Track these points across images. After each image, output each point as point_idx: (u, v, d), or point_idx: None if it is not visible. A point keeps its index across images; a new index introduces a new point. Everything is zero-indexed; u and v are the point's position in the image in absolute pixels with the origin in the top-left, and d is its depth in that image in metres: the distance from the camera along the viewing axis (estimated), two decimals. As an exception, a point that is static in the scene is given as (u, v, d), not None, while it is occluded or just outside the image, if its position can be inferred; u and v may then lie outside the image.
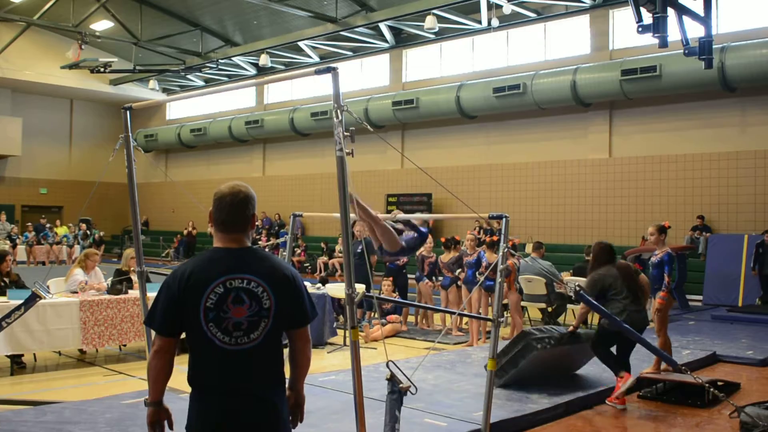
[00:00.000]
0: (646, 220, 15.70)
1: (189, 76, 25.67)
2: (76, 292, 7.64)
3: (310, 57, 22.12)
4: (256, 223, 2.68)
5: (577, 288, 5.22)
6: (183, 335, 2.59)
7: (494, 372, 4.69)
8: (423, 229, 5.26)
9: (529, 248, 16.36)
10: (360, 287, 5.40)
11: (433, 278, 10.81)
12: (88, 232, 23.18)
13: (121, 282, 7.97)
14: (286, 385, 2.66)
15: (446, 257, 10.22)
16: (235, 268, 2.51)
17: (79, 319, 7.29)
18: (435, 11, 17.15)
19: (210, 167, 27.12)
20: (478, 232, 15.85)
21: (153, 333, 2.61)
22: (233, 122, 24.41)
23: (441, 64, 20.09)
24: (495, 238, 9.01)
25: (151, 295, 7.24)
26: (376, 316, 9.77)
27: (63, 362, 7.93)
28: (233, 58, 23.24)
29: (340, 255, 15.14)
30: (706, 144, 15.30)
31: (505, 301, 9.39)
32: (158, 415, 2.59)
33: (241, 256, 2.55)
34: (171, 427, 2.62)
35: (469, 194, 17.73)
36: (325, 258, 18.60)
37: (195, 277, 2.49)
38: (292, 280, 2.60)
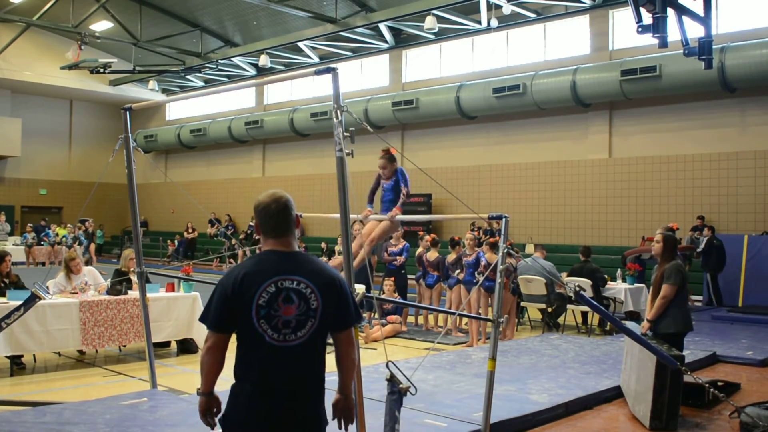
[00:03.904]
0: (645, 220, 15.72)
1: (189, 77, 25.67)
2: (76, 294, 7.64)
3: (309, 57, 22.12)
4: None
5: (577, 288, 5.19)
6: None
7: (494, 372, 4.69)
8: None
9: (529, 249, 16.40)
10: (360, 287, 5.41)
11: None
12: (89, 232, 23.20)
13: (120, 283, 7.96)
14: (333, 387, 2.82)
15: (450, 257, 10.23)
16: (286, 270, 2.65)
17: (79, 320, 7.28)
18: (435, 12, 17.15)
19: (210, 168, 27.11)
20: (478, 233, 15.84)
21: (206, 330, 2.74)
22: (233, 123, 24.40)
23: (441, 65, 20.08)
24: (497, 238, 9.00)
25: (151, 295, 7.29)
26: (376, 316, 9.77)
27: (62, 363, 7.92)
28: (233, 59, 23.23)
29: (340, 255, 15.14)
30: (706, 144, 15.30)
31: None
32: (210, 403, 2.73)
33: (291, 259, 2.70)
34: (219, 413, 2.74)
35: (469, 195, 17.73)
36: (325, 258, 18.57)
37: (248, 277, 2.62)
38: (338, 283, 2.74)
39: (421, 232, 16.70)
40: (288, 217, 2.74)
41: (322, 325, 2.67)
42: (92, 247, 23.13)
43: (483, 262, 9.19)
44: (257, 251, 2.90)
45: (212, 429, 2.79)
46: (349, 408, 2.86)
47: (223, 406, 2.70)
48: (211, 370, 2.67)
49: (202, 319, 2.73)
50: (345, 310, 2.75)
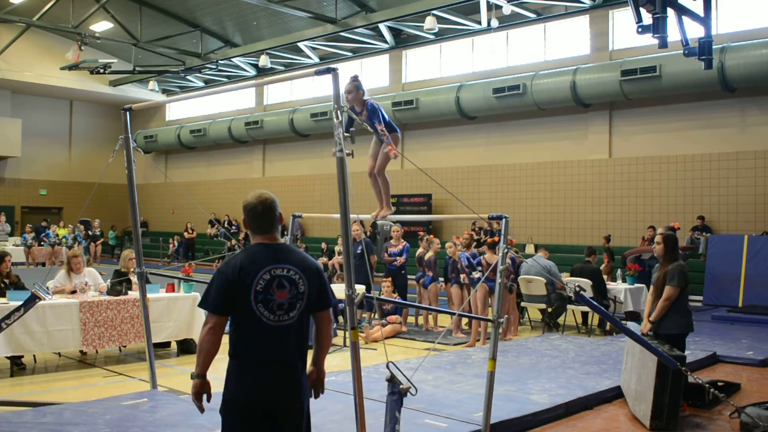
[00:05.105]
0: (646, 220, 15.72)
1: (189, 77, 25.67)
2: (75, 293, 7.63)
3: (309, 58, 22.12)
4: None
5: (577, 288, 5.17)
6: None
7: (494, 373, 4.68)
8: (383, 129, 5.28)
9: (529, 249, 16.40)
10: (360, 288, 5.40)
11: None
12: (89, 233, 23.22)
13: (120, 283, 7.96)
14: (309, 361, 3.19)
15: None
16: (277, 260, 3.05)
17: (79, 321, 7.28)
18: (435, 12, 17.14)
19: (210, 168, 27.11)
20: (477, 233, 15.84)
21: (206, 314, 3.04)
22: (233, 123, 24.40)
23: (441, 65, 20.09)
24: (497, 238, 9.01)
25: (151, 295, 7.28)
26: (376, 316, 9.77)
27: (63, 363, 7.92)
28: (233, 59, 23.23)
29: (341, 256, 15.12)
30: (706, 144, 15.30)
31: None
32: (204, 387, 3.01)
33: (279, 250, 3.10)
34: (209, 399, 3.03)
35: (469, 195, 17.73)
36: (324, 259, 18.57)
37: (246, 267, 2.99)
38: (320, 269, 3.19)
39: (421, 233, 16.71)
40: (273, 215, 3.13)
41: (308, 306, 3.08)
42: (99, 247, 23.21)
43: (464, 263, 9.46)
44: None
45: (202, 412, 3.06)
46: (321, 379, 3.27)
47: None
48: (210, 350, 2.97)
49: (201, 305, 3.03)
50: (326, 292, 3.16)
